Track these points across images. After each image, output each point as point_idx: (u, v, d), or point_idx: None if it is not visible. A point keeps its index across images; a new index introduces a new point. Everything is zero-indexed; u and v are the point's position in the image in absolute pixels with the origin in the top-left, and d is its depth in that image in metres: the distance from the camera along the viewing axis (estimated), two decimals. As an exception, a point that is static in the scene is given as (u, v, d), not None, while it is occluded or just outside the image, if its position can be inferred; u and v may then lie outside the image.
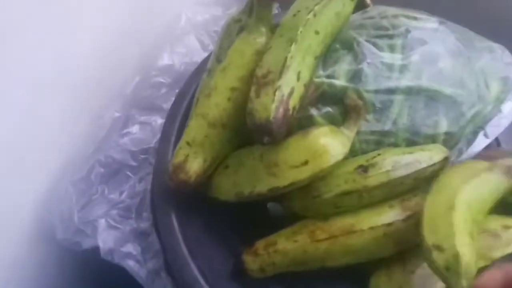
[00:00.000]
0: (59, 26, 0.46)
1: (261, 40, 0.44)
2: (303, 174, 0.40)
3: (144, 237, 0.49)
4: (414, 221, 0.41)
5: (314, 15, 0.42)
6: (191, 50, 0.59)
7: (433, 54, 0.45)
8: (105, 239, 0.48)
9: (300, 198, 0.42)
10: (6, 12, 0.39)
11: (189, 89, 0.53)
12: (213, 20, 0.62)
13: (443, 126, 0.44)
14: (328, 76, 0.44)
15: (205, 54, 0.59)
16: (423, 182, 0.43)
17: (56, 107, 0.48)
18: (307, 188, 0.41)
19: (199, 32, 0.60)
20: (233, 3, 0.64)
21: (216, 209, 0.47)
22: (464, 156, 0.48)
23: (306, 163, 0.40)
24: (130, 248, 0.48)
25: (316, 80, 0.43)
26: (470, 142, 0.47)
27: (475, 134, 0.47)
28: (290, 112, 0.39)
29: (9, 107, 0.43)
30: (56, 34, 0.46)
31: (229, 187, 0.44)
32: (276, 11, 0.53)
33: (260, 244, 0.44)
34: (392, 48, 0.44)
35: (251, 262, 0.43)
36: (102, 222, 0.49)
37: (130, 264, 0.48)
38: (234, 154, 0.45)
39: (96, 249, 0.50)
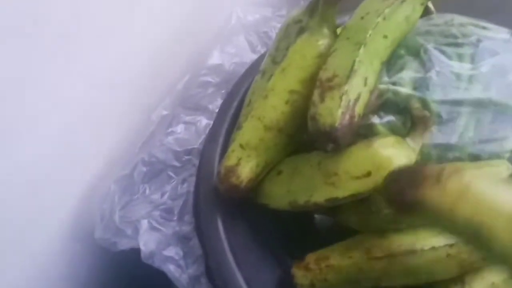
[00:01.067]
0: (116, 24, 0.45)
1: (324, 42, 0.41)
2: (365, 186, 0.37)
3: (186, 241, 0.48)
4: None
5: (384, 19, 0.40)
6: (240, 51, 0.57)
7: (504, 66, 0.42)
8: (147, 241, 0.46)
9: (357, 212, 0.40)
10: (66, 10, 0.39)
11: (239, 90, 0.51)
12: (263, 21, 0.60)
13: (510, 142, 0.42)
14: (393, 83, 0.41)
15: (253, 55, 0.58)
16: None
17: (107, 103, 0.47)
18: (365, 202, 0.39)
19: (249, 33, 0.59)
20: (283, 4, 0.62)
21: (262, 216, 0.45)
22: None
23: (368, 174, 0.37)
24: (172, 252, 0.46)
25: (381, 86, 0.41)
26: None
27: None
28: (356, 119, 0.37)
29: (63, 102, 0.42)
30: (113, 31, 0.45)
31: (282, 194, 0.42)
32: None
33: (311, 258, 0.41)
34: (461, 58, 0.42)
35: (302, 276, 0.41)
36: (144, 222, 0.47)
37: (171, 269, 0.46)
38: (288, 160, 0.43)
39: (133, 250, 0.48)
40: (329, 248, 0.41)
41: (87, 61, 0.43)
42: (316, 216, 0.46)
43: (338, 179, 0.38)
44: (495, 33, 0.44)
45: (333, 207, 0.40)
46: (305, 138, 0.44)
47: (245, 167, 0.42)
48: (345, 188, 0.38)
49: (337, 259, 0.40)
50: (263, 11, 0.61)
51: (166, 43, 0.51)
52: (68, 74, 0.42)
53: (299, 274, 0.41)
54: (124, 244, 0.49)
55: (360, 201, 0.39)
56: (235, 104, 0.51)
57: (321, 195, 0.39)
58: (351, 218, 0.41)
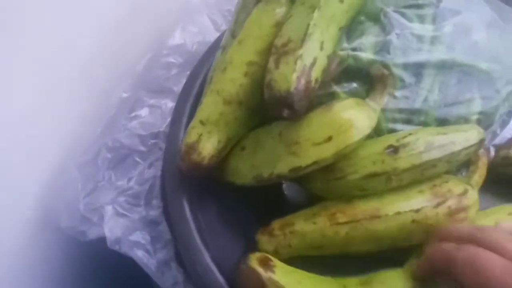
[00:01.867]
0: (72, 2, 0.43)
1: (280, 10, 0.40)
2: (327, 151, 0.36)
3: (154, 226, 0.46)
4: (447, 210, 0.38)
5: (339, -18, 0.38)
6: (203, 30, 0.56)
7: (467, 26, 0.41)
8: (112, 227, 0.45)
9: (322, 179, 0.39)
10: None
11: (202, 69, 0.50)
12: (225, -1, 0.59)
13: (477, 104, 0.41)
14: (354, 49, 0.40)
15: (217, 34, 0.56)
16: (455, 165, 0.40)
17: (63, 84, 0.45)
18: (330, 169, 0.38)
19: (212, 11, 0.57)
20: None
21: (230, 193, 0.44)
22: (498, 139, 0.46)
23: (329, 139, 0.36)
24: (139, 237, 0.45)
25: (341, 53, 0.40)
26: (504, 123, 0.45)
27: (509, 115, 0.44)
28: (313, 84, 0.36)
29: (16, 84, 0.41)
30: (65, 6, 0.43)
31: (246, 170, 0.41)
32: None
33: (276, 224, 0.41)
34: (422, 19, 0.41)
35: (266, 243, 0.40)
36: (109, 209, 0.46)
37: (139, 254, 0.45)
38: (251, 134, 0.42)
39: (103, 239, 0.47)
40: (294, 215, 0.41)
41: (39, 41, 0.41)
42: (284, 185, 0.45)
43: (300, 148, 0.37)
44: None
45: (300, 176, 0.39)
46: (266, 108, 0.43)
47: (206, 143, 0.40)
48: (307, 156, 0.37)
49: (301, 224, 0.40)
50: (225, -12, 0.60)
51: (123, 21, 0.50)
52: (22, 57, 0.40)
53: (263, 240, 0.40)
54: (93, 233, 0.48)
55: (325, 168, 0.38)
56: (198, 82, 0.49)
57: (284, 166, 0.38)
58: (316, 185, 0.40)
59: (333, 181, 0.39)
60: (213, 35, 0.55)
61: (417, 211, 0.38)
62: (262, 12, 0.41)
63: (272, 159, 0.39)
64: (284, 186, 0.44)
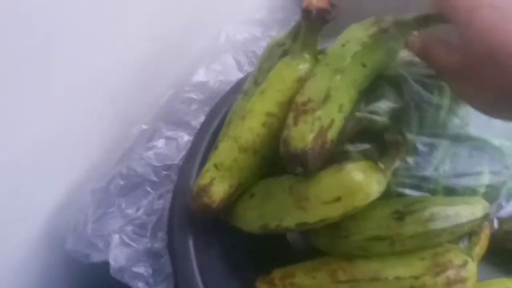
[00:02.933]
0: (103, 34, 0.45)
1: (304, 66, 0.42)
2: (335, 211, 0.37)
3: (157, 258, 0.47)
4: (445, 280, 0.38)
5: (364, 47, 0.40)
6: (227, 69, 0.57)
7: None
8: (117, 256, 0.46)
9: (327, 236, 0.40)
10: (52, 17, 0.39)
11: (222, 108, 0.52)
12: (252, 40, 0.60)
13: (486, 178, 0.42)
14: (371, 112, 0.41)
15: (241, 74, 0.58)
16: (459, 237, 0.41)
17: (88, 115, 0.47)
18: (335, 226, 0.39)
19: (237, 52, 0.59)
20: (274, 25, 0.63)
21: (234, 235, 0.44)
22: (503, 211, 0.46)
23: (338, 199, 0.37)
24: (142, 269, 0.46)
25: (358, 115, 0.41)
26: (510, 196, 0.44)
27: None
28: (328, 144, 0.37)
29: (43, 110, 0.42)
30: (100, 43, 0.45)
31: (254, 218, 0.42)
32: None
33: (276, 274, 0.41)
34: (441, 90, 0.42)
35: None
36: (116, 237, 0.47)
37: (139, 286, 0.45)
38: (261, 183, 0.43)
39: (104, 264, 0.47)
40: (296, 266, 0.41)
41: (71, 71, 0.43)
42: (288, 236, 0.46)
43: (309, 204, 0.38)
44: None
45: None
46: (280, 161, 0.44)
47: (217, 187, 0.42)
48: (315, 213, 0.38)
49: (301, 277, 0.40)
50: (253, 30, 0.62)
51: (153, 57, 0.51)
52: (50, 83, 0.42)
53: None
54: (96, 257, 0.48)
55: (330, 225, 0.39)
56: (216, 122, 0.51)
57: (291, 219, 0.39)
58: (321, 240, 0.41)
59: (337, 239, 0.39)
60: (236, 75, 0.57)
61: (417, 278, 0.38)
62: (286, 66, 0.43)
63: (280, 211, 0.40)
64: (289, 236, 0.45)
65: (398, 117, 0.41)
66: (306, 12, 0.40)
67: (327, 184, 0.38)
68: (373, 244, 0.39)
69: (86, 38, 0.43)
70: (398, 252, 0.39)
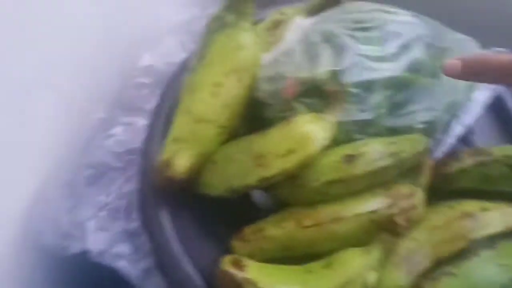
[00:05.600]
0: (43, 26, 0.45)
1: (243, 35, 0.44)
2: (290, 162, 0.41)
3: (135, 237, 0.49)
4: (399, 210, 0.42)
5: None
6: (171, 51, 0.59)
7: (408, 46, 0.46)
8: (95, 241, 0.48)
9: (287, 187, 0.43)
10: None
11: (171, 89, 0.54)
12: (193, 21, 0.62)
13: (421, 115, 0.46)
14: (312, 70, 0.44)
15: (185, 55, 0.59)
16: (405, 170, 0.45)
17: (41, 109, 0.48)
18: (294, 177, 0.42)
19: (179, 33, 0.61)
20: (211, 4, 0.64)
21: (204, 204, 0.47)
22: (442, 145, 0.51)
23: (292, 151, 0.41)
24: (121, 248, 0.48)
25: (301, 75, 0.44)
26: (446, 131, 0.49)
27: (450, 123, 0.49)
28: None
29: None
30: (41, 34, 0.45)
31: (218, 182, 0.45)
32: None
33: (248, 230, 0.45)
34: (369, 41, 0.46)
35: (240, 247, 0.44)
36: (91, 224, 0.49)
37: (122, 265, 0.47)
38: (220, 149, 0.46)
39: (85, 252, 0.49)
40: (264, 220, 0.45)
41: (14, 64, 0.43)
42: (254, 196, 0.49)
43: (265, 160, 0.41)
44: (398, 16, 0.48)
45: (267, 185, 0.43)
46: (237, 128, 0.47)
47: (179, 160, 0.44)
48: (272, 167, 0.41)
49: (271, 229, 0.44)
50: (193, 10, 0.63)
51: (97, 47, 0.52)
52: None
53: (237, 245, 0.44)
54: (75, 247, 0.50)
55: (289, 177, 0.42)
56: (169, 102, 0.53)
57: (252, 177, 0.42)
58: (282, 192, 0.44)
59: (297, 188, 0.43)
60: (181, 56, 0.58)
61: (373, 212, 0.42)
62: (226, 37, 0.45)
63: (241, 171, 0.43)
64: (254, 194, 0.48)
65: (335, 71, 0.44)
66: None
67: (280, 139, 0.41)
68: (330, 188, 0.42)
69: (28, 34, 0.44)
70: (353, 192, 0.43)
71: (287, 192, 0.44)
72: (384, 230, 0.42)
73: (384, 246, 0.42)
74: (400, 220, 0.42)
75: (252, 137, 0.43)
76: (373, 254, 0.41)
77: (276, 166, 0.41)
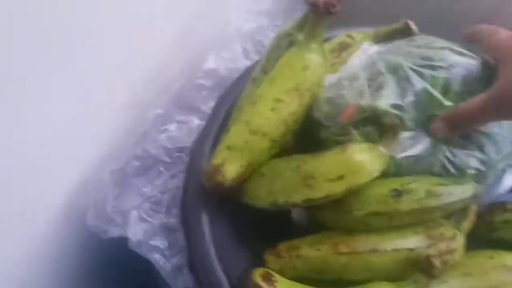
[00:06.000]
0: (122, 28, 0.48)
1: (311, 56, 0.45)
2: (338, 188, 0.41)
3: (172, 232, 0.51)
4: (437, 251, 0.42)
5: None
6: (235, 57, 0.60)
7: (472, 91, 0.45)
8: (135, 230, 0.49)
9: (330, 211, 0.44)
10: (71, 13, 0.42)
11: (231, 94, 0.55)
12: (259, 30, 0.63)
13: (477, 161, 0.45)
14: (373, 99, 0.45)
15: (248, 62, 0.61)
16: (450, 213, 0.44)
17: (109, 100, 0.50)
18: (339, 202, 0.43)
19: (244, 40, 0.62)
20: (279, 15, 0.66)
21: (243, 213, 0.48)
22: (492, 192, 0.50)
23: (342, 177, 0.41)
24: (158, 242, 0.49)
25: (362, 103, 0.44)
26: (499, 179, 0.48)
27: (503, 171, 0.48)
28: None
29: (69, 94, 0.45)
30: (119, 35, 0.48)
31: (264, 195, 0.45)
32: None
33: (283, 246, 0.45)
34: (435, 80, 0.45)
35: (273, 262, 0.45)
36: (134, 213, 0.50)
37: (156, 257, 0.49)
38: (270, 163, 0.47)
39: (121, 239, 0.51)
40: (301, 239, 0.45)
41: (93, 61, 0.46)
42: (293, 212, 0.49)
43: (315, 182, 0.42)
44: (466, 58, 0.47)
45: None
46: (288, 143, 0.47)
47: (230, 167, 0.45)
48: (320, 190, 0.42)
49: (306, 250, 0.44)
50: (260, 20, 0.65)
51: (166, 47, 0.55)
52: (70, 71, 0.45)
53: (270, 259, 0.45)
54: (114, 232, 0.52)
55: (334, 201, 0.42)
56: (226, 107, 0.54)
57: (298, 196, 0.43)
58: (325, 215, 0.45)
59: (340, 214, 0.43)
60: (243, 62, 0.60)
61: (412, 250, 0.42)
62: (294, 56, 0.46)
63: (288, 188, 0.43)
64: (293, 212, 0.48)
65: (397, 104, 0.44)
66: (313, 6, 0.43)
67: (332, 163, 0.42)
68: (373, 219, 0.42)
69: (106, 32, 0.46)
70: (395, 226, 0.43)
71: (329, 215, 0.44)
72: (418, 269, 0.42)
73: (417, 285, 0.42)
74: (436, 262, 0.42)
75: (304, 156, 0.44)
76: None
77: (324, 190, 0.41)
